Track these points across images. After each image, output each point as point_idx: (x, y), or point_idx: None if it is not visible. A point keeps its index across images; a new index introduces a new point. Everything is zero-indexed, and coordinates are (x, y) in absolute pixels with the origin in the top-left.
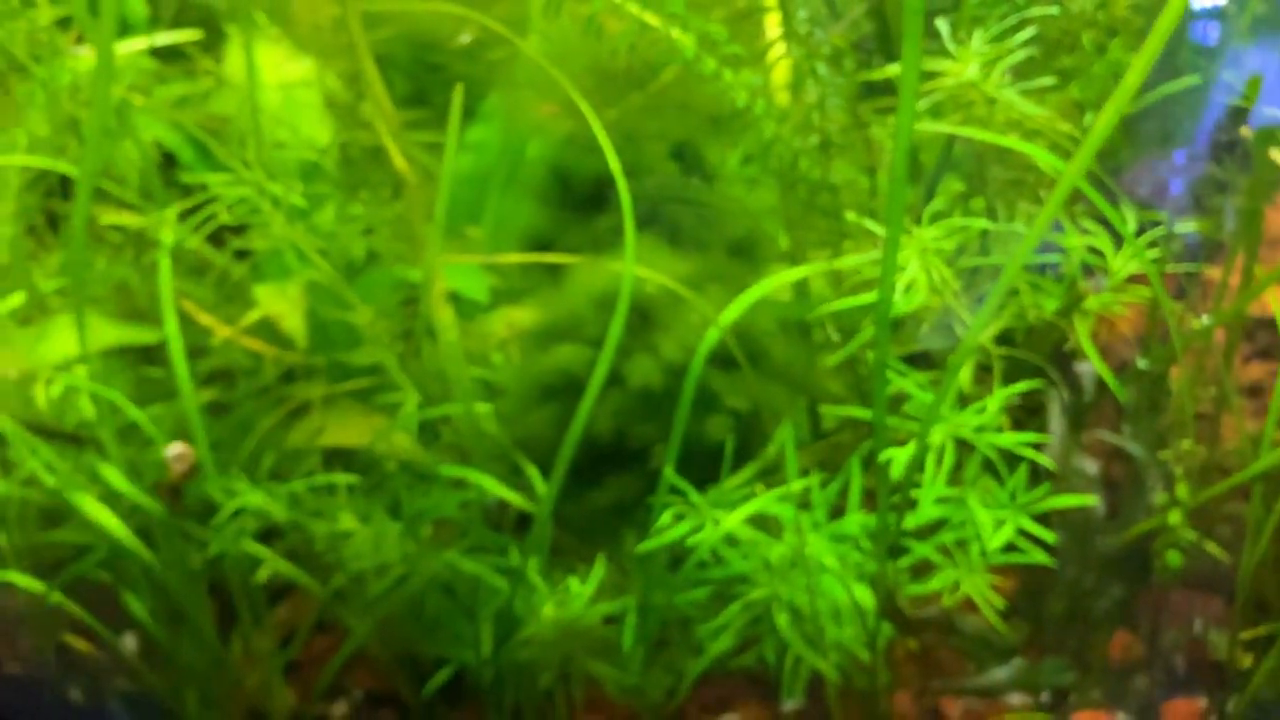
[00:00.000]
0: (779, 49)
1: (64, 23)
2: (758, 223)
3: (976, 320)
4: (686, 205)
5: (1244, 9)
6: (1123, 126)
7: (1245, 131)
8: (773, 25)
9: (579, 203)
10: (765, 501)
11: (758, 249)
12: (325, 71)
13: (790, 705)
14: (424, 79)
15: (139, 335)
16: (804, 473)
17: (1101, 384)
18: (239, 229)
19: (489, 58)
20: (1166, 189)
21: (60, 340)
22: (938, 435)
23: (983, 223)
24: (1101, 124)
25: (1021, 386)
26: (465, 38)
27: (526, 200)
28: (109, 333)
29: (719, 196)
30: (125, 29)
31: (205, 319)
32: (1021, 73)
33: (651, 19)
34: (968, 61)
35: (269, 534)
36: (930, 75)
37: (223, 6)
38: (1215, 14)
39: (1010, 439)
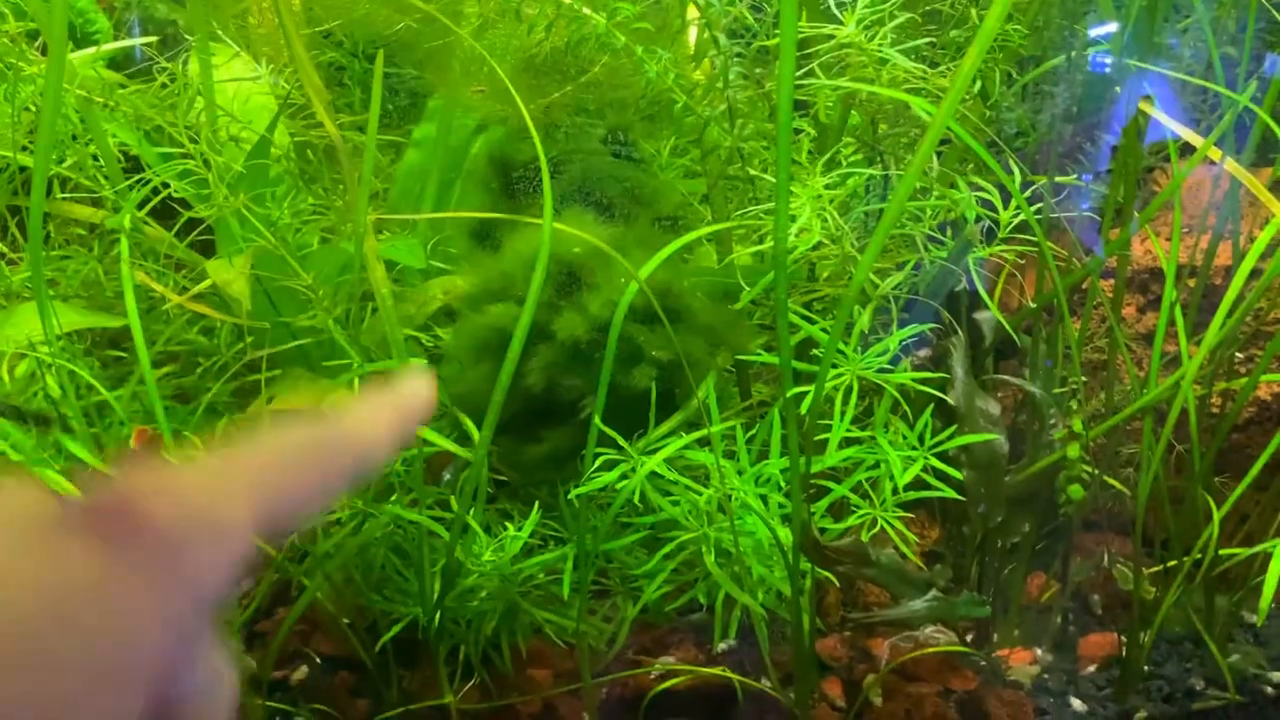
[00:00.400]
0: (681, 23)
1: (34, 35)
2: (686, 199)
3: (864, 258)
4: (617, 184)
5: (1130, 36)
6: (1040, 152)
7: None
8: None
9: (517, 187)
10: (685, 443)
11: (685, 222)
12: (280, 77)
13: (724, 646)
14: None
15: (101, 320)
16: (734, 429)
17: (1005, 338)
18: (199, 224)
19: (425, 46)
20: (1077, 206)
21: (24, 323)
22: (845, 376)
23: (870, 170)
24: (967, 66)
25: (920, 328)
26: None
27: (472, 188)
28: (73, 318)
29: (650, 177)
30: (91, 41)
31: (159, 288)
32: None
33: None
34: (850, 23)
35: None
36: (828, 39)
37: (182, 20)
38: (1107, 42)
39: (906, 376)
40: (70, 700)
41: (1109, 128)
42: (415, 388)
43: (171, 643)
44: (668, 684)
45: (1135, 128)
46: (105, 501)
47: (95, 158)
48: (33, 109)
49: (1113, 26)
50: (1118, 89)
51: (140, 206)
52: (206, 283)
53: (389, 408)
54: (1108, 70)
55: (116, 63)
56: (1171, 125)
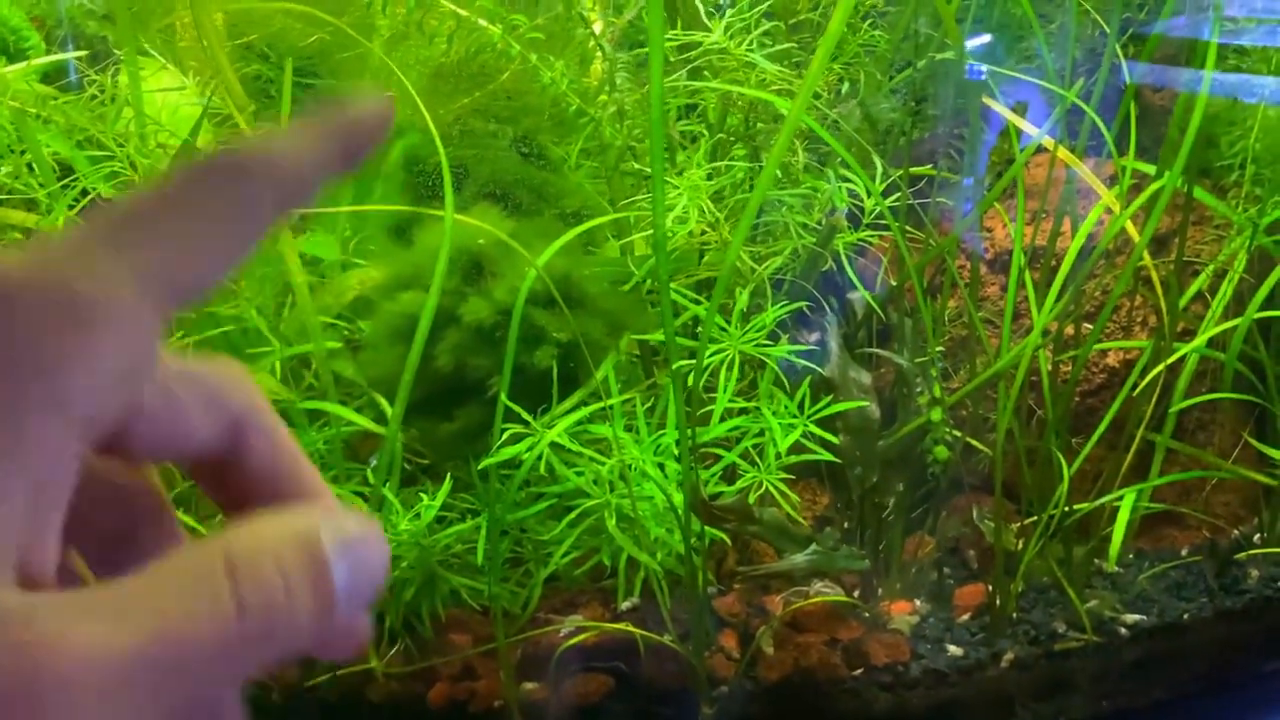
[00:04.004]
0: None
1: None
2: (593, 197)
3: (734, 241)
4: (524, 183)
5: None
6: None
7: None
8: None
9: (428, 187)
10: (584, 415)
11: (589, 217)
12: (206, 88)
13: (627, 604)
14: (299, 96)
15: None
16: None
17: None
18: None
19: (336, 58)
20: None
21: None
22: (728, 351)
23: (741, 164)
24: (817, 64)
25: (795, 305)
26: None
27: (391, 189)
28: None
29: (557, 177)
30: (24, 56)
31: None
32: (788, 52)
33: (463, 10)
34: (718, 30)
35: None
36: (697, 45)
37: (112, 36)
38: (983, 53)
39: (783, 350)
40: None
41: (984, 130)
42: (361, 102)
43: None
44: (575, 640)
45: (1009, 130)
46: None
47: (30, 166)
48: None
49: (986, 38)
50: (990, 95)
51: (71, 208)
52: None
53: (324, 126)
54: (983, 78)
55: (49, 76)
56: (1018, 123)
